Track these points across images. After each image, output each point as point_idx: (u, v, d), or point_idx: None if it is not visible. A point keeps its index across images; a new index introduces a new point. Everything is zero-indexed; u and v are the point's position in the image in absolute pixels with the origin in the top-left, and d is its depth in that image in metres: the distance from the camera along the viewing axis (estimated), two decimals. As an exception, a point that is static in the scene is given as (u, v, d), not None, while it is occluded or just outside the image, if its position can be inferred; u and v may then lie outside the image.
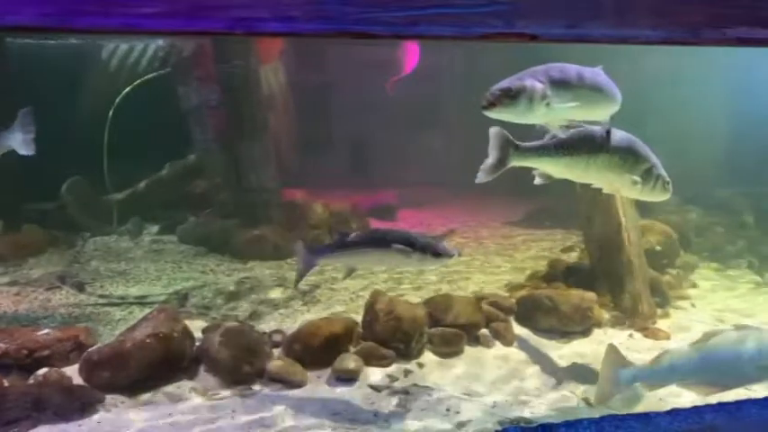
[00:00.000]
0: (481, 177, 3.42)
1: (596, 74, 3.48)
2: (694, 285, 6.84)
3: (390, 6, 1.32)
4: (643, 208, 6.33)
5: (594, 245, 6.12)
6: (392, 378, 4.44)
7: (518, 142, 3.45)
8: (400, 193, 11.11)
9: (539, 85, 3.23)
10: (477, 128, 3.61)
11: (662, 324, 5.66)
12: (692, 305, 6.26)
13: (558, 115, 3.39)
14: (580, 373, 4.72)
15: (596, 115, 3.60)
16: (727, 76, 9.36)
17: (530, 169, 3.61)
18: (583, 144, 3.50)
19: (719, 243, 7.93)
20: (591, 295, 5.47)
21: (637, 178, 3.59)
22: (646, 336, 5.38)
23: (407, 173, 11.16)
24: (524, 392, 4.40)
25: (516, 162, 3.45)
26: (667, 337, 5.34)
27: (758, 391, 3.79)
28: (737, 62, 9.07)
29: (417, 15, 1.30)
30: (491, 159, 3.40)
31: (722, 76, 9.28)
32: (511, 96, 3.18)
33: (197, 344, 4.53)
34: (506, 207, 10.77)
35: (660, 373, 3.46)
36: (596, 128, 3.54)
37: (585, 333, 5.37)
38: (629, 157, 3.57)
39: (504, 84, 3.22)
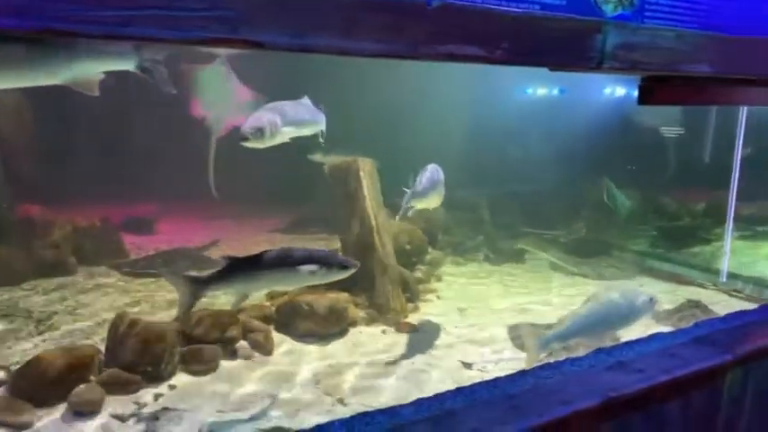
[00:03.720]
0: (401, 215, 5.23)
1: None
2: (440, 279, 7.47)
3: (101, 5, 1.17)
4: (393, 209, 6.74)
5: (351, 247, 6.36)
6: (140, 404, 4.14)
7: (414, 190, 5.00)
8: (159, 205, 10.46)
9: None
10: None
11: (412, 317, 6.08)
12: (438, 297, 6.84)
13: None
14: (337, 374, 4.86)
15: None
16: (465, 89, 10.38)
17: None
18: (439, 182, 5.20)
19: (461, 239, 8.77)
20: (345, 296, 5.67)
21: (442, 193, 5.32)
22: (397, 330, 5.73)
23: (168, 183, 10.50)
24: (283, 402, 4.39)
25: (417, 204, 5.10)
26: (415, 330, 5.75)
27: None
28: (473, 76, 10.11)
29: (130, 15, 1.16)
30: (403, 208, 5.09)
31: (461, 88, 10.27)
32: None
33: None
34: (273, 215, 10.74)
35: (567, 333, 4.32)
36: (431, 167, 5.19)
37: (342, 333, 5.56)
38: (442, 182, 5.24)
39: None
